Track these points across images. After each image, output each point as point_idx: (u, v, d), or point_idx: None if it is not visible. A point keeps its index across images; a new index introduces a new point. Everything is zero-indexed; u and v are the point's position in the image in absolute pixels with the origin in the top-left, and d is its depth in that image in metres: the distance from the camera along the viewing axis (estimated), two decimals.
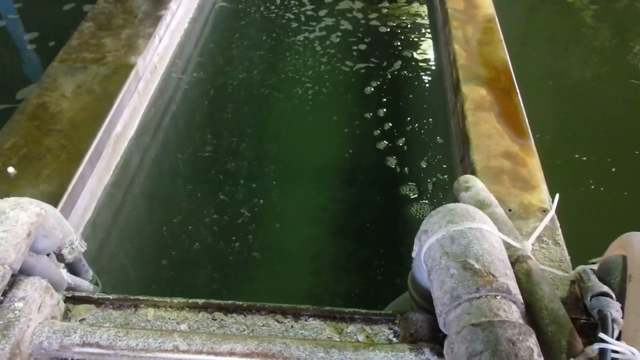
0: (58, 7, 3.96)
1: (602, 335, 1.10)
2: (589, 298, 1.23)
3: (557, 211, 1.78)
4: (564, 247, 1.65)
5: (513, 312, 1.10)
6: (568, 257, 1.62)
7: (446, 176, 2.64)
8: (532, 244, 1.59)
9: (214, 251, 2.43)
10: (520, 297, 1.16)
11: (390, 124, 2.96)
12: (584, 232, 2.23)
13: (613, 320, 1.13)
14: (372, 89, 3.22)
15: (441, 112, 2.86)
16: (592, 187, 2.66)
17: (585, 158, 2.81)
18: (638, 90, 3.34)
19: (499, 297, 1.11)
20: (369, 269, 2.36)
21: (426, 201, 2.56)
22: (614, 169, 2.75)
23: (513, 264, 1.30)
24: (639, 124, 3.09)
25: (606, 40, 3.84)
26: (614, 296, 1.21)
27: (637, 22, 4.03)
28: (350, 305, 1.43)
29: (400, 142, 2.85)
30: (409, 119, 3.00)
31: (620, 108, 3.22)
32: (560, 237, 1.68)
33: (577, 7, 4.17)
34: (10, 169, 2.04)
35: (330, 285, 2.33)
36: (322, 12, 3.91)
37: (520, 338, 1.03)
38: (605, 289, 1.21)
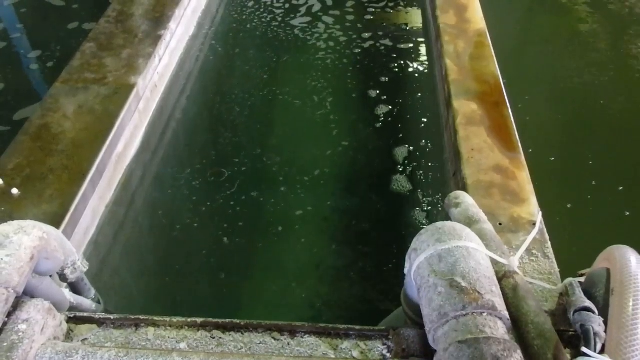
0: (63, 25, 4.04)
1: (584, 349, 1.14)
2: (572, 313, 1.26)
3: (546, 223, 1.82)
4: (554, 259, 1.69)
5: (499, 329, 1.14)
6: (557, 270, 1.66)
7: (441, 188, 2.69)
8: (521, 258, 1.63)
9: (215, 265, 2.47)
10: (506, 313, 1.19)
11: (393, 130, 3.02)
12: (574, 245, 2.27)
13: (595, 334, 1.17)
14: (377, 93, 3.28)
15: (438, 125, 2.91)
16: (583, 198, 2.70)
17: (576, 169, 2.85)
18: (628, 102, 3.38)
19: (484, 314, 1.15)
20: (370, 278, 2.39)
21: (426, 211, 2.61)
22: (604, 181, 2.78)
23: (500, 279, 1.34)
24: (628, 135, 3.13)
25: (602, 49, 3.88)
26: (595, 311, 1.24)
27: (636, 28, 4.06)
28: (350, 316, 1.45)
29: (404, 149, 2.90)
30: (412, 126, 3.06)
31: (612, 120, 3.25)
32: (549, 250, 1.72)
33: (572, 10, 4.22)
34: (14, 190, 2.09)
35: (329, 294, 2.36)
36: (322, 26, 3.99)
37: (505, 354, 1.07)
38: (587, 303, 1.25)
